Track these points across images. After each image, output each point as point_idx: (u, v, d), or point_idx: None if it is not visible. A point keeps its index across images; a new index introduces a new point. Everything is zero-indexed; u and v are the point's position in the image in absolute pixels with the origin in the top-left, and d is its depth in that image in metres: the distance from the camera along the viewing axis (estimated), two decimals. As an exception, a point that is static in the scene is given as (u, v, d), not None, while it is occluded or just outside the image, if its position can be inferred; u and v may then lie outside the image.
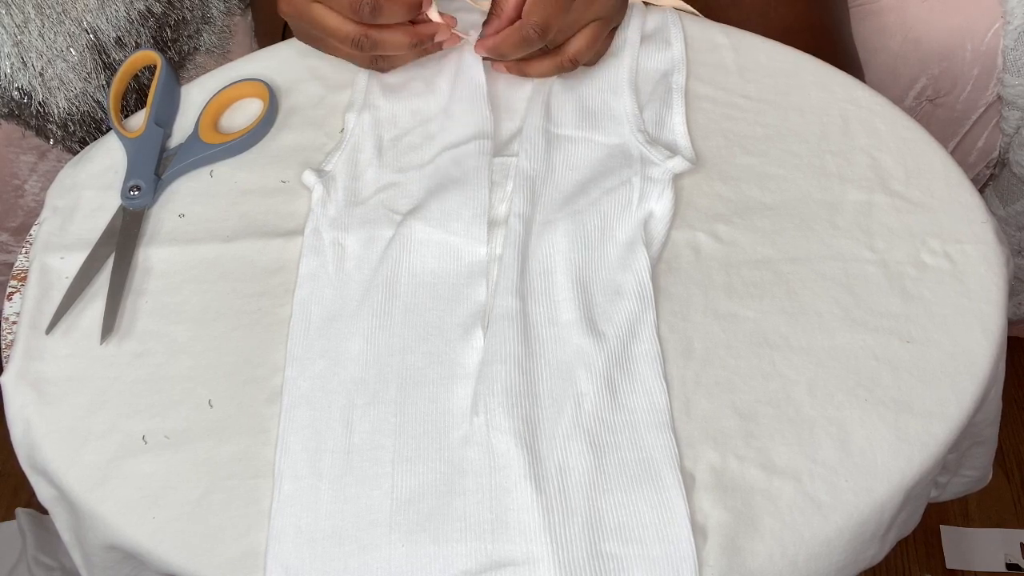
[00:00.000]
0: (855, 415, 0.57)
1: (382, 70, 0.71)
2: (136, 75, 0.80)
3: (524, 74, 0.71)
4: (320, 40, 0.68)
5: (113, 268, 0.64)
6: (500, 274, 0.62)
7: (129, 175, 0.68)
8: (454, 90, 0.72)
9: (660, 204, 0.65)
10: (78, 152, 0.73)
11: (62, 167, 0.71)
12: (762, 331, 0.60)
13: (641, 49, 0.75)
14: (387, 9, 0.65)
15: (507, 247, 0.63)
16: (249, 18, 1.01)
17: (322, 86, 0.74)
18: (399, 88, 0.73)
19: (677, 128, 0.70)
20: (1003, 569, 1.14)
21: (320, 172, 0.68)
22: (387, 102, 0.72)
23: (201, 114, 0.72)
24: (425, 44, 0.69)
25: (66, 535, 0.59)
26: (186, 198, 0.68)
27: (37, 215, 0.68)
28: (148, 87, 0.74)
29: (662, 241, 0.64)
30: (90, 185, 0.69)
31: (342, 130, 0.71)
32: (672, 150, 0.68)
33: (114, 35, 0.84)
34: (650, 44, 0.75)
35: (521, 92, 0.73)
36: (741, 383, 0.58)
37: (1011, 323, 1.21)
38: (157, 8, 0.87)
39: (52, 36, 0.79)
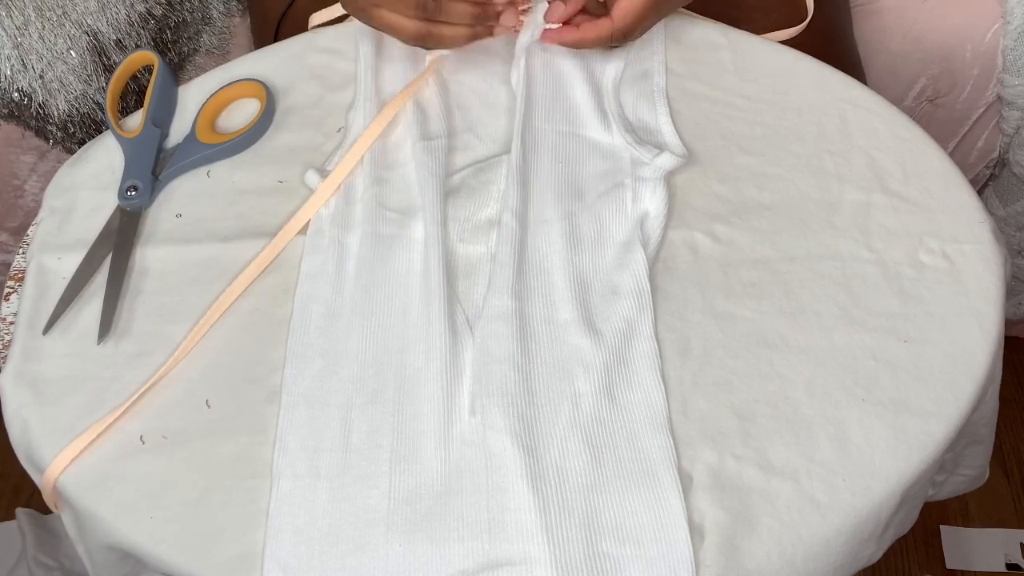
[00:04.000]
0: (853, 415, 0.57)
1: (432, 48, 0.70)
2: (135, 76, 0.80)
3: (578, 47, 0.71)
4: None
5: (110, 268, 0.64)
6: (494, 272, 0.62)
7: (126, 175, 0.68)
8: (484, 109, 0.72)
9: (654, 202, 0.65)
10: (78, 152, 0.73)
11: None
12: (760, 331, 0.60)
13: (624, 50, 0.75)
14: (450, 9, 0.66)
15: (501, 245, 0.63)
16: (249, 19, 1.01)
17: (320, 86, 0.74)
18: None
19: (664, 127, 0.70)
20: (1003, 569, 1.13)
21: (323, 172, 0.68)
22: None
23: (198, 114, 0.72)
24: (484, 25, 0.69)
25: (71, 530, 0.59)
26: (183, 198, 0.68)
27: (37, 215, 0.68)
28: (147, 88, 0.74)
29: (658, 240, 0.64)
30: (87, 185, 0.69)
31: (340, 129, 0.71)
32: (661, 149, 0.68)
33: (114, 37, 0.85)
34: (633, 44, 0.75)
35: (511, 91, 0.73)
36: (739, 383, 0.58)
37: (1011, 323, 1.21)
38: (157, 10, 0.88)
39: (52, 38, 0.80)
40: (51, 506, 0.59)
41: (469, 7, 0.67)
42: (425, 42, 0.68)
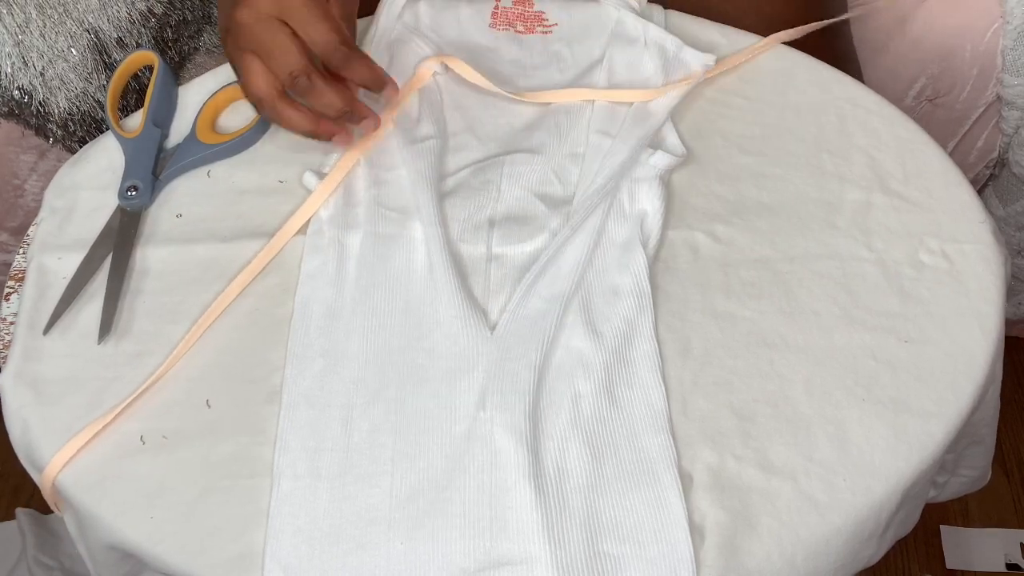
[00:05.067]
0: (853, 414, 0.57)
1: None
2: (136, 75, 0.80)
3: None
4: (246, 59, 0.64)
5: (111, 268, 0.64)
6: (531, 272, 0.61)
7: (127, 175, 0.68)
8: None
9: (650, 202, 0.65)
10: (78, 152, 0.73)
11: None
12: (760, 331, 0.60)
13: (618, 51, 0.75)
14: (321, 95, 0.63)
15: (548, 247, 0.63)
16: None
17: (320, 86, 0.74)
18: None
19: (663, 127, 0.70)
20: (1003, 569, 1.13)
21: (320, 174, 0.68)
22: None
23: (199, 114, 0.72)
24: (335, 125, 0.66)
25: (72, 530, 0.59)
26: (184, 198, 0.68)
27: (37, 215, 0.68)
28: (147, 87, 0.73)
29: (657, 239, 0.64)
30: (88, 185, 0.69)
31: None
32: (656, 148, 0.68)
33: (115, 35, 0.85)
34: (628, 44, 0.75)
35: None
36: (739, 383, 0.58)
37: (1011, 323, 1.21)
38: (158, 8, 0.88)
39: (53, 36, 0.80)
40: (52, 506, 0.59)
41: (339, 102, 0.64)
42: (264, 110, 0.65)
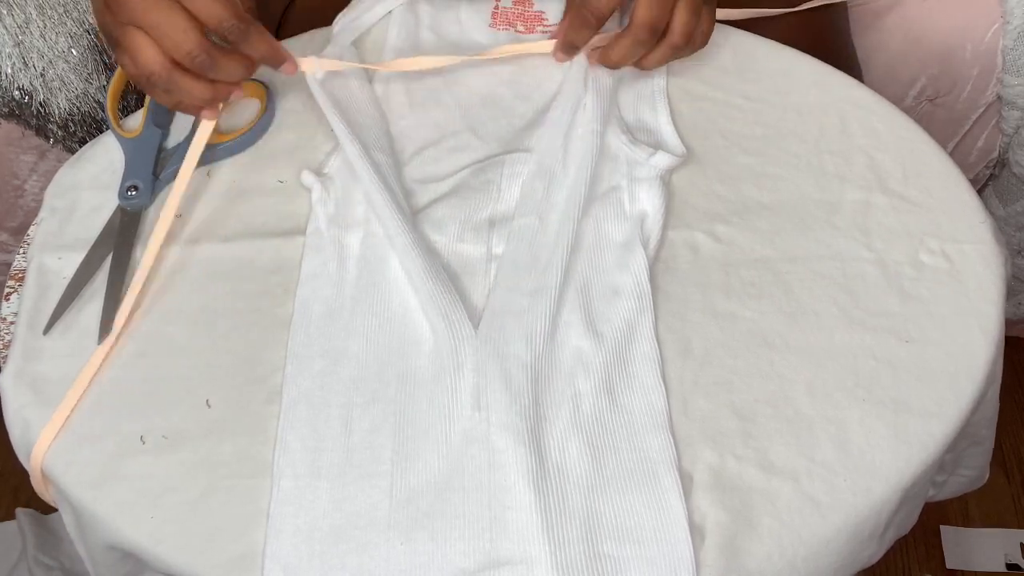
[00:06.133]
0: (853, 415, 0.57)
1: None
2: (136, 75, 0.80)
3: (642, 67, 0.69)
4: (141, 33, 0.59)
5: (111, 268, 0.64)
6: (506, 270, 0.62)
7: (127, 175, 0.68)
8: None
9: (651, 202, 0.65)
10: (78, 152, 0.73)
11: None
12: (760, 331, 0.60)
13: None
14: (223, 65, 0.61)
15: (517, 243, 0.63)
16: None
17: (320, 86, 0.74)
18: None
19: (664, 128, 0.70)
20: (1003, 569, 1.13)
21: (319, 173, 0.68)
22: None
23: (199, 114, 0.72)
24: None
25: (72, 531, 0.59)
26: (183, 198, 0.68)
27: (37, 215, 0.68)
28: (147, 87, 0.73)
29: (658, 239, 0.64)
30: (88, 185, 0.69)
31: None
32: (657, 148, 0.68)
33: (115, 36, 0.84)
34: None
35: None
36: (739, 383, 0.58)
37: (1011, 323, 1.21)
38: (158, 9, 0.88)
39: (54, 37, 0.80)
40: (38, 488, 0.58)
41: (242, 68, 0.61)
42: (155, 86, 0.60)
